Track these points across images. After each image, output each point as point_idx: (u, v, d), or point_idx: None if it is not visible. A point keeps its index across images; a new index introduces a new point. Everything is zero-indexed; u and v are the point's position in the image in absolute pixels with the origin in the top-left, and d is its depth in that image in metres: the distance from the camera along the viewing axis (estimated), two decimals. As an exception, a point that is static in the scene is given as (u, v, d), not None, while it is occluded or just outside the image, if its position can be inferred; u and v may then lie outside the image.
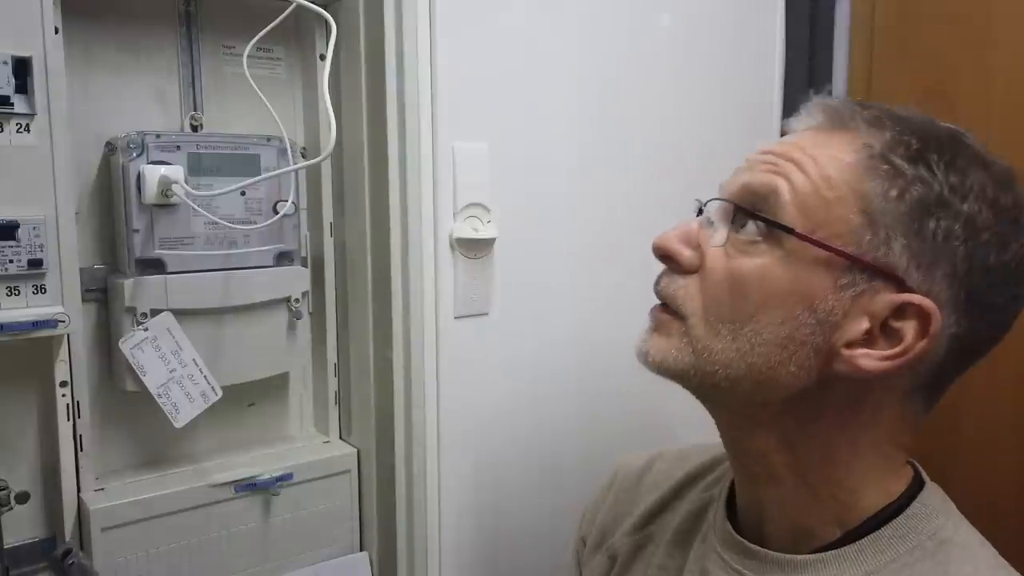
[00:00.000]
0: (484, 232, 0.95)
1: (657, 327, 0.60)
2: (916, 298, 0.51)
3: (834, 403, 0.56)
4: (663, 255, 0.60)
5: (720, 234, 0.58)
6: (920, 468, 0.61)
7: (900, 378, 0.54)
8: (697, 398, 0.61)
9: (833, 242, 0.52)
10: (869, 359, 0.53)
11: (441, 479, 0.96)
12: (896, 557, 0.54)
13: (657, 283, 0.61)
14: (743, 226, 0.56)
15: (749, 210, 0.56)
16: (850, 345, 0.53)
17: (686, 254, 0.58)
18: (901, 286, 0.52)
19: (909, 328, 0.52)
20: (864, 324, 0.53)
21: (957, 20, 1.28)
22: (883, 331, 0.53)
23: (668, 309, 0.59)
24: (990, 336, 0.56)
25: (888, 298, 0.52)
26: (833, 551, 0.56)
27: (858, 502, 0.57)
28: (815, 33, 1.41)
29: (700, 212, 0.61)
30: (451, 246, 0.94)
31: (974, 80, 1.27)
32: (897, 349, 0.52)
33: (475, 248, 0.95)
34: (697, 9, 1.12)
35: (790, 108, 1.24)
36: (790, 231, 0.53)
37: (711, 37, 1.14)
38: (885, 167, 0.53)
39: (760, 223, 0.55)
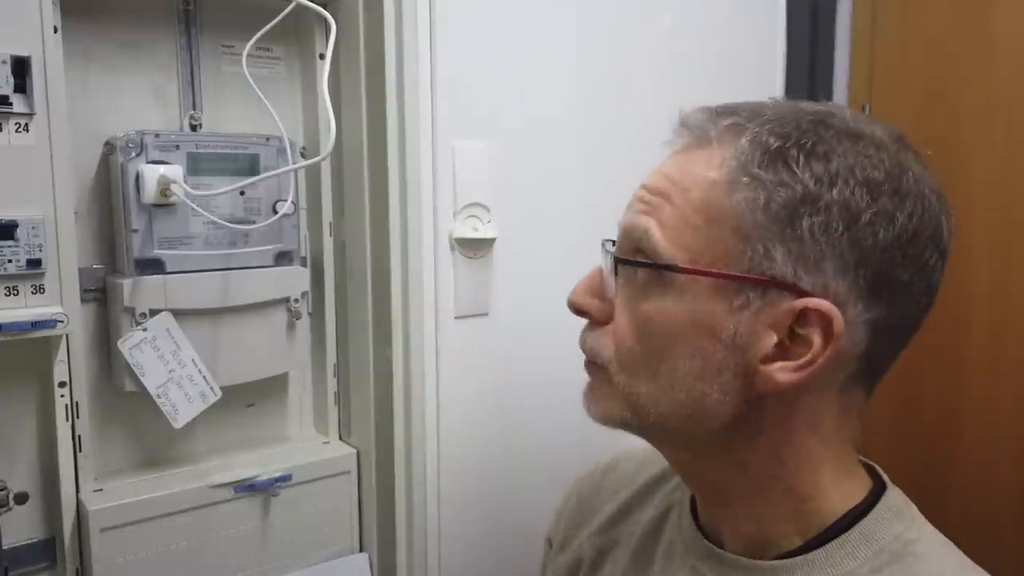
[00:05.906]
0: (484, 232, 0.95)
1: (590, 385, 0.60)
2: (812, 302, 0.50)
3: (771, 418, 0.54)
4: (576, 312, 0.59)
5: (612, 283, 0.57)
6: (880, 470, 0.60)
7: (828, 377, 0.53)
8: (646, 440, 0.61)
9: (717, 267, 0.52)
10: (784, 372, 0.52)
11: (441, 479, 0.96)
12: (864, 561, 0.54)
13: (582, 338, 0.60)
14: (636, 272, 0.55)
15: (628, 260, 0.55)
16: (765, 361, 0.52)
17: (595, 308, 0.58)
18: (797, 292, 0.50)
19: (814, 333, 0.51)
20: (772, 338, 0.51)
21: (957, 20, 1.28)
22: (793, 339, 0.52)
23: (592, 362, 0.59)
24: (914, 311, 0.54)
25: (785, 307, 0.51)
26: (801, 556, 0.55)
27: (819, 508, 0.56)
28: (816, 33, 1.41)
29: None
30: (451, 246, 0.94)
31: (974, 80, 1.27)
32: (807, 357, 0.51)
33: (475, 248, 0.95)
34: (698, 10, 1.12)
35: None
36: (673, 268, 0.53)
37: (712, 37, 1.14)
38: (745, 179, 0.51)
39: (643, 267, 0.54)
